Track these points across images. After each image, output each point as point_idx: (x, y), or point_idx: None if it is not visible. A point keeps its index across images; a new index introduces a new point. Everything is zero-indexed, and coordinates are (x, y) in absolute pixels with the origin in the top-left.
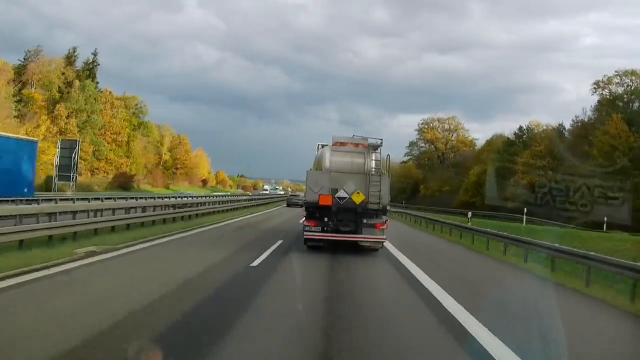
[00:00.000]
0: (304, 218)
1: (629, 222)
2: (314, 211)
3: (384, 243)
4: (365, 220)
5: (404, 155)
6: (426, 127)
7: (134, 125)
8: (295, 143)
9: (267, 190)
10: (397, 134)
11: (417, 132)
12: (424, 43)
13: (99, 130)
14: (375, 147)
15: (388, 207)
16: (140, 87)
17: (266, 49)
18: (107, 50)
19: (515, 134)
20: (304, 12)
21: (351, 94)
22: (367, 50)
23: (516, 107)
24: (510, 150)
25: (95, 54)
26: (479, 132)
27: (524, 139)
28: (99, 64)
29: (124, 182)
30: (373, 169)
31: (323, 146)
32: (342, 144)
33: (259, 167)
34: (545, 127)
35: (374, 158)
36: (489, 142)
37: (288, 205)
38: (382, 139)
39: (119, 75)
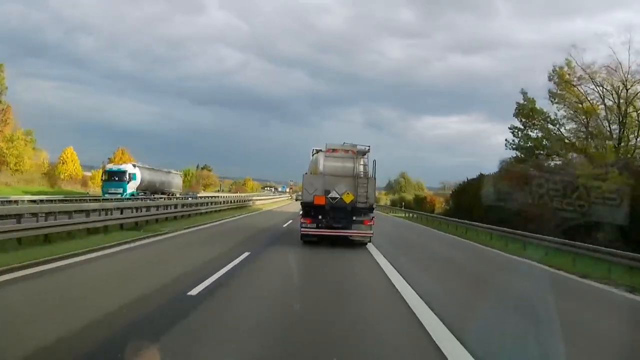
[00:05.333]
0: (301, 216)
1: None
2: (310, 210)
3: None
4: (354, 218)
5: None
6: None
7: None
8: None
9: None
10: (422, 135)
11: None
12: (450, 43)
13: None
14: (363, 153)
15: (374, 206)
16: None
17: (289, 51)
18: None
19: None
20: (327, 13)
21: (376, 96)
22: (391, 51)
23: None
24: None
25: None
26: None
27: None
28: None
29: None
30: (361, 173)
31: (318, 151)
32: (334, 150)
33: (278, 169)
34: None
35: (362, 163)
36: None
37: (296, 200)
38: (369, 146)
39: (139, 77)
